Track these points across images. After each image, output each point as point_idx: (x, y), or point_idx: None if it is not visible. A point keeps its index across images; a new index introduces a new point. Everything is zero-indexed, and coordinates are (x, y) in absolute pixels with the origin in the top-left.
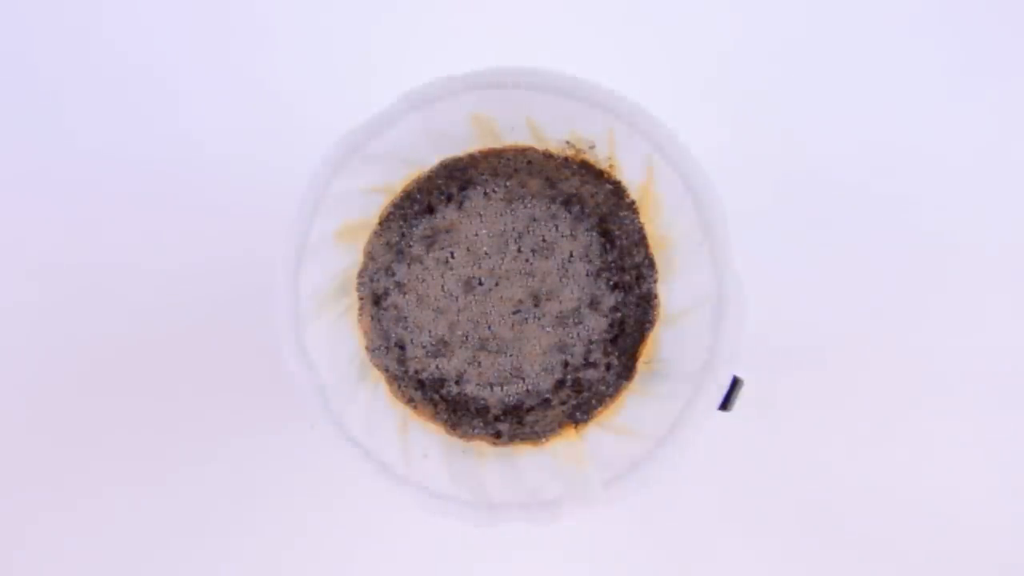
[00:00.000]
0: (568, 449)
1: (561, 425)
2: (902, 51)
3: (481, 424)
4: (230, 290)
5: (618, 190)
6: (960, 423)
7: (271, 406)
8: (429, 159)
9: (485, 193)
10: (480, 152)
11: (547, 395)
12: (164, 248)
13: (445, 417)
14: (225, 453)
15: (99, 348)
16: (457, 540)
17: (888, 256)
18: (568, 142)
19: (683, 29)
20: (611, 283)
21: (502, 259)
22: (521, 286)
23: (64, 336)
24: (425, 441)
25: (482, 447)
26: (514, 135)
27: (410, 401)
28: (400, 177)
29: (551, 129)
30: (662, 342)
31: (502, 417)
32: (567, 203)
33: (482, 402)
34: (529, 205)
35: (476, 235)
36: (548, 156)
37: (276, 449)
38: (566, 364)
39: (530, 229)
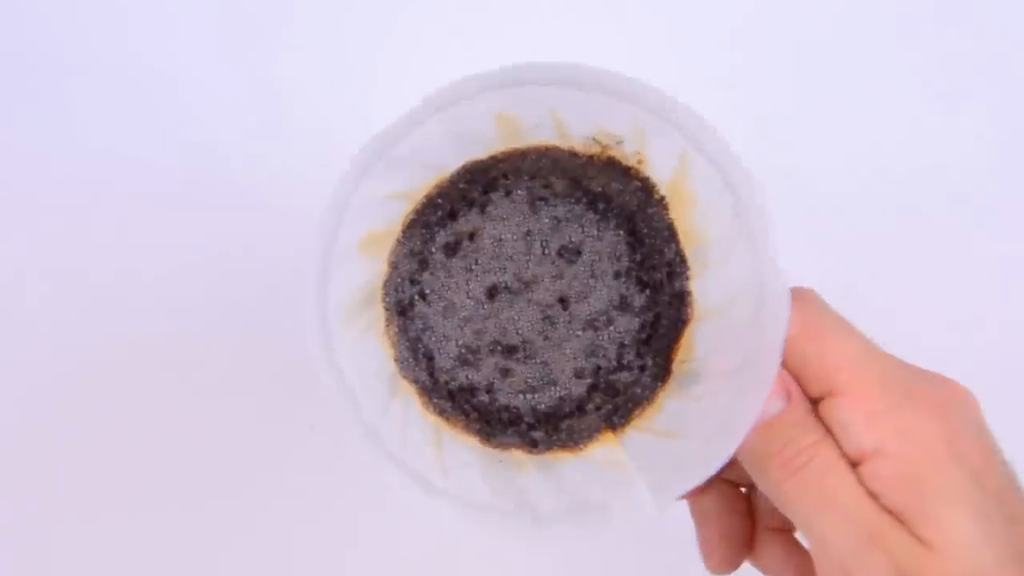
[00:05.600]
0: (608, 455)
1: (598, 430)
2: (902, 53)
3: (515, 434)
4: (245, 292)
5: (646, 186)
6: None
7: (271, 404)
8: (452, 163)
9: (508, 196)
10: (502, 153)
11: (581, 401)
12: (172, 251)
13: (478, 427)
14: (229, 454)
15: (113, 349)
16: (457, 540)
17: (889, 256)
18: (594, 139)
19: (694, 28)
20: (641, 282)
21: (528, 263)
22: (548, 289)
23: (72, 338)
24: (462, 453)
25: (519, 456)
26: (538, 132)
27: (442, 413)
28: (422, 182)
29: (576, 125)
30: (697, 340)
31: (536, 425)
32: (593, 202)
33: (514, 411)
34: (553, 206)
35: (500, 239)
36: (573, 155)
37: (276, 448)
38: (598, 368)
39: (555, 230)
